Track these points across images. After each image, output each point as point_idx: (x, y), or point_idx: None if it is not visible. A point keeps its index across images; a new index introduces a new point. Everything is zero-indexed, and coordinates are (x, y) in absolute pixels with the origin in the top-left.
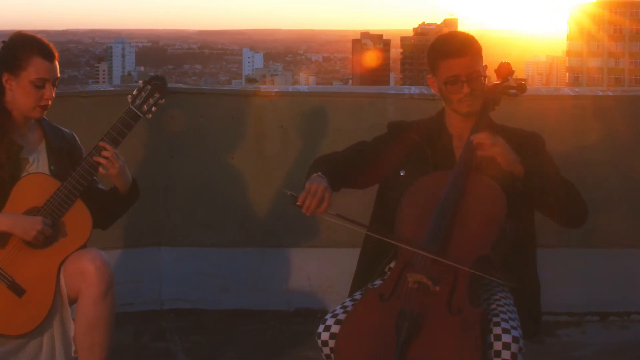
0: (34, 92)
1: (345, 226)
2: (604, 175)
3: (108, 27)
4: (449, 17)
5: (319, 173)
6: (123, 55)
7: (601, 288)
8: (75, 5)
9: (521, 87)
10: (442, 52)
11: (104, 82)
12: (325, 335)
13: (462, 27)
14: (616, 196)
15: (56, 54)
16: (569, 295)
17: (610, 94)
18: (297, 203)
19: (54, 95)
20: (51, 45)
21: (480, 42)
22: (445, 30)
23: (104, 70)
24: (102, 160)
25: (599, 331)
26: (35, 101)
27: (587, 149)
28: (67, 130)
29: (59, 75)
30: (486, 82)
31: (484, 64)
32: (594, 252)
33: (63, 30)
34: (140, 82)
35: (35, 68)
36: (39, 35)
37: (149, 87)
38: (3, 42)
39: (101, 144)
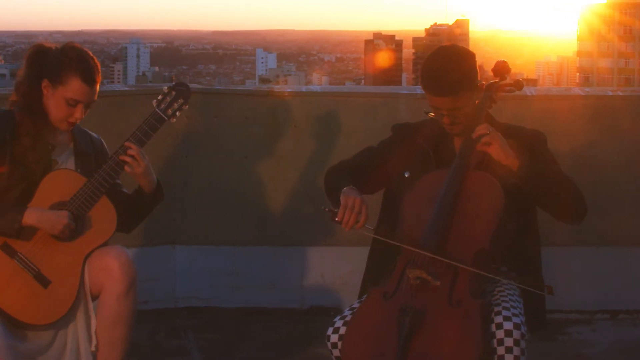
0: (65, 108)
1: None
2: (614, 174)
3: (123, 27)
4: (460, 17)
5: (351, 186)
6: (138, 56)
7: (611, 286)
8: (91, 6)
9: (517, 83)
10: (423, 82)
11: (118, 82)
12: (334, 338)
13: (474, 27)
14: (626, 195)
15: (99, 79)
16: (579, 293)
17: (621, 94)
18: (337, 219)
19: (84, 116)
20: (98, 67)
21: (491, 42)
22: (457, 31)
23: (119, 71)
24: (127, 159)
25: (609, 329)
26: (64, 116)
27: (597, 148)
28: (95, 135)
29: (95, 99)
30: (483, 84)
31: (480, 82)
32: (604, 250)
33: (78, 31)
34: (166, 87)
35: (72, 88)
36: (91, 54)
37: (173, 92)
38: (55, 48)
39: (127, 143)
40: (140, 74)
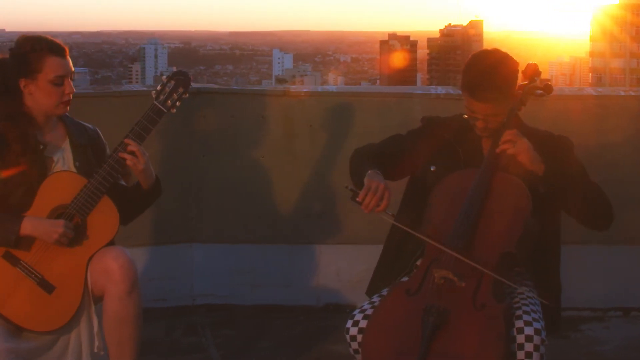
0: (54, 90)
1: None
2: (626, 173)
3: (141, 28)
4: (474, 18)
5: (375, 170)
6: (156, 56)
7: (624, 284)
8: (109, 6)
9: (547, 87)
10: (465, 86)
11: (137, 82)
12: (353, 330)
13: (488, 28)
14: (638, 194)
15: (66, 49)
16: (592, 290)
17: (633, 94)
18: (358, 199)
19: (73, 89)
20: (59, 41)
21: (505, 43)
22: (471, 31)
23: (137, 71)
24: (127, 156)
25: (622, 326)
26: (58, 99)
27: (609, 147)
28: (90, 125)
29: (73, 69)
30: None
31: (522, 82)
32: (616, 248)
33: (97, 32)
34: (164, 77)
35: (50, 67)
36: (43, 34)
37: (172, 82)
38: (10, 49)
39: (126, 140)
40: (158, 74)
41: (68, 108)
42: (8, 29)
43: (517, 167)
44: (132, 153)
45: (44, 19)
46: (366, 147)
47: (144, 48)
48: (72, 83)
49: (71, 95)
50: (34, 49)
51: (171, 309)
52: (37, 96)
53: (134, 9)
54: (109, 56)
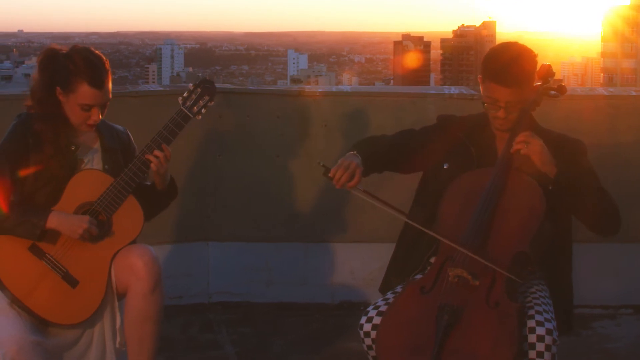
0: (80, 113)
1: (377, 206)
2: (638, 171)
3: (157, 29)
4: (487, 19)
5: (354, 152)
6: (172, 57)
7: (636, 281)
8: (126, 7)
9: (561, 88)
10: (489, 72)
11: (153, 82)
12: (367, 327)
13: (500, 29)
14: None
15: (108, 80)
16: (603, 288)
17: None
18: (329, 175)
19: (101, 117)
20: (106, 66)
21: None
22: (484, 32)
23: (153, 71)
24: (152, 159)
25: (633, 324)
26: (82, 120)
27: (621, 146)
28: (121, 128)
29: (110, 97)
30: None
31: (536, 82)
32: (628, 246)
33: (114, 32)
34: (191, 84)
35: (82, 94)
36: (97, 53)
37: (199, 89)
38: (65, 52)
39: (163, 145)
40: (175, 74)
41: (93, 128)
42: (26, 29)
43: (530, 168)
44: (157, 157)
45: (61, 20)
46: (378, 136)
47: (161, 48)
48: (104, 112)
49: (96, 122)
50: (76, 70)
51: (187, 306)
52: (67, 108)
53: (151, 10)
54: (126, 56)
